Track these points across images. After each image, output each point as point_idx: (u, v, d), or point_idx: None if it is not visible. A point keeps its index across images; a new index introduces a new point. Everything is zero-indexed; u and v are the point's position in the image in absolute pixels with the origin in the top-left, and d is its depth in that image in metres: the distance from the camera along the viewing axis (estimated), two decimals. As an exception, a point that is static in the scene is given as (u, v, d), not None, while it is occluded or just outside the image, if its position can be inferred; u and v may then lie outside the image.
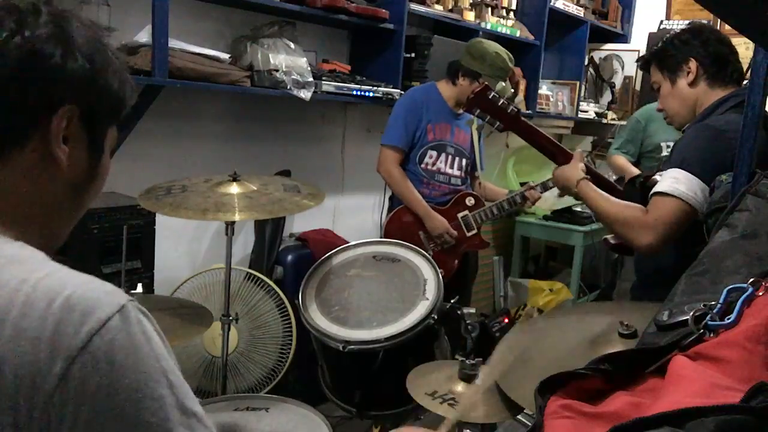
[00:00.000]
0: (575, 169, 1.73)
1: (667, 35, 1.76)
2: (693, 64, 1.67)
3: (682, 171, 1.50)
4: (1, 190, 0.68)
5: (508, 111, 1.76)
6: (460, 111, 2.76)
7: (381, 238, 2.64)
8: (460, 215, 2.79)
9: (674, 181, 1.50)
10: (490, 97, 1.76)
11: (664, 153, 2.92)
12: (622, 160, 3.21)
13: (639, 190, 1.68)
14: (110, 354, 0.59)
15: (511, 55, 2.73)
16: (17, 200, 0.69)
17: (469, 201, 2.82)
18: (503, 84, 2.71)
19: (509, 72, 2.74)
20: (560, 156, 1.78)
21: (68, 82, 0.69)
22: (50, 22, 0.69)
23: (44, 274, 0.62)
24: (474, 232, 2.81)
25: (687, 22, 4.00)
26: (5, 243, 0.66)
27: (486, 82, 2.65)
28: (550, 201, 3.72)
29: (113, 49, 0.76)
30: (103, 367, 0.58)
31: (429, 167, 2.78)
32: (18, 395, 0.56)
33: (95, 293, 0.61)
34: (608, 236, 1.84)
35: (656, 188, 1.53)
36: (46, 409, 0.57)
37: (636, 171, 2.00)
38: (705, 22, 3.94)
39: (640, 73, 4.26)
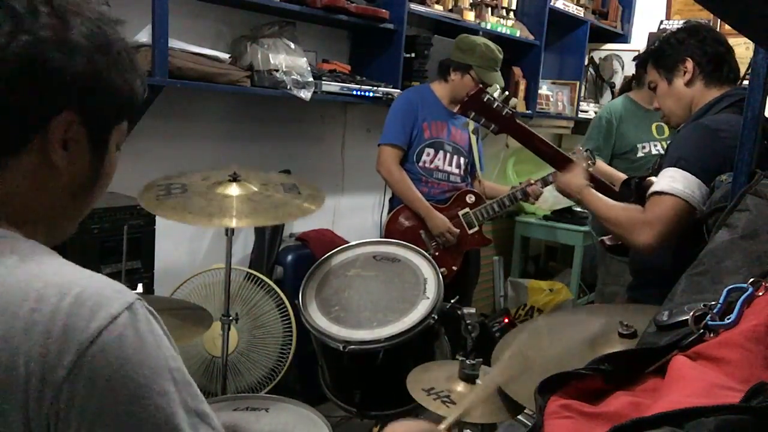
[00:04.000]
0: (578, 177, 1.72)
1: (664, 34, 1.76)
2: (690, 64, 1.67)
3: (679, 170, 1.49)
4: (6, 193, 0.68)
5: (503, 113, 1.74)
6: (455, 110, 2.76)
7: (381, 238, 2.64)
8: (461, 213, 2.79)
9: (671, 180, 1.49)
10: (484, 99, 1.73)
11: (640, 154, 2.82)
12: (605, 165, 3.04)
13: (634, 192, 1.67)
14: (118, 349, 0.60)
15: (499, 47, 2.73)
16: (22, 202, 0.69)
17: (470, 198, 2.82)
18: (495, 74, 2.70)
19: (499, 62, 2.74)
20: (557, 159, 1.76)
21: (68, 86, 0.66)
22: (50, 24, 0.65)
23: (55, 270, 0.64)
24: (476, 229, 2.81)
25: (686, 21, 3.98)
26: (19, 241, 0.67)
27: (478, 75, 2.67)
28: (550, 201, 3.71)
29: (120, 43, 0.72)
30: (112, 362, 0.59)
31: (427, 165, 2.78)
32: (28, 389, 0.57)
33: (105, 290, 0.63)
34: (604, 237, 1.84)
35: (653, 188, 1.53)
36: (54, 403, 0.58)
37: (622, 175, 1.97)
38: (705, 21, 3.94)
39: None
